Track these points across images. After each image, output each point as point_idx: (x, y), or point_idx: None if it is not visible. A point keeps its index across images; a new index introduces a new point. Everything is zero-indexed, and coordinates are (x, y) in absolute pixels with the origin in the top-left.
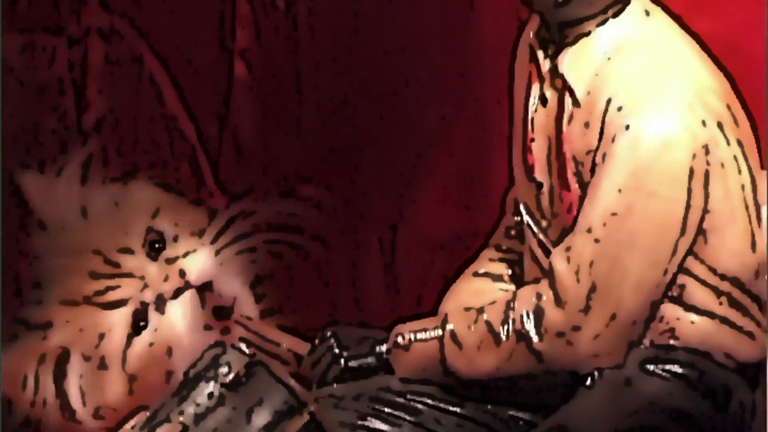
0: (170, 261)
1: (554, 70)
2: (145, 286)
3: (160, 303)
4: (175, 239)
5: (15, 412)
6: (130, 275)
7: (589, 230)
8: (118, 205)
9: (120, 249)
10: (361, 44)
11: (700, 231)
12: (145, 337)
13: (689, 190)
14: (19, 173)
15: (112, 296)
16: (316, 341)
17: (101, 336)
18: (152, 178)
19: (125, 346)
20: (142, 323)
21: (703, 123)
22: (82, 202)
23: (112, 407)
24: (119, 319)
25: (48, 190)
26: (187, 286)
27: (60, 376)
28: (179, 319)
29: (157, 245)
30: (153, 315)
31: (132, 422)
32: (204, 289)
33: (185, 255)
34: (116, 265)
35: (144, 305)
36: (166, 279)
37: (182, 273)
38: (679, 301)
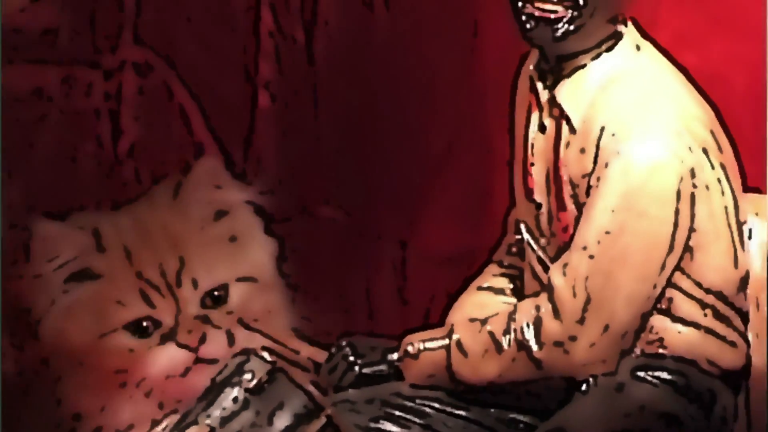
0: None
1: (552, 100)
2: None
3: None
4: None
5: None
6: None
7: (585, 248)
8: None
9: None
10: (374, 75)
11: (687, 248)
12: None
13: (677, 211)
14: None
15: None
16: (333, 350)
17: None
18: None
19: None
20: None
21: (690, 149)
22: None
23: None
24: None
25: None
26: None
27: None
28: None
29: (216, 293)
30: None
31: (163, 424)
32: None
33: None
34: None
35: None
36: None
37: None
38: (667, 312)
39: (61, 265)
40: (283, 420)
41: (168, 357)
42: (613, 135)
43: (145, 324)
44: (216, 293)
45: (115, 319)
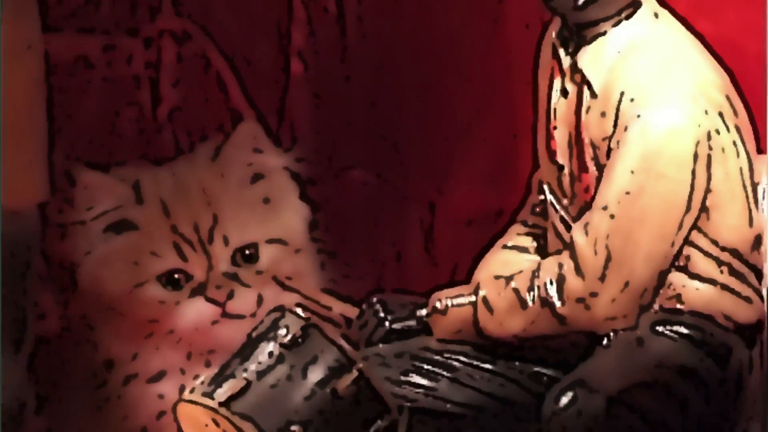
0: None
1: (574, 66)
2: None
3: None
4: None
5: None
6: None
7: (605, 208)
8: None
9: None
10: (402, 43)
11: (704, 208)
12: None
13: (693, 172)
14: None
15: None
16: (364, 306)
17: None
18: None
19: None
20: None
21: (706, 113)
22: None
23: None
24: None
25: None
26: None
27: None
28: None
29: (247, 253)
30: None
31: (201, 378)
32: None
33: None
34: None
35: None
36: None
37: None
38: (685, 270)
39: (101, 213)
40: (316, 373)
41: (196, 310)
42: (632, 100)
43: (176, 276)
44: (247, 252)
45: (148, 270)
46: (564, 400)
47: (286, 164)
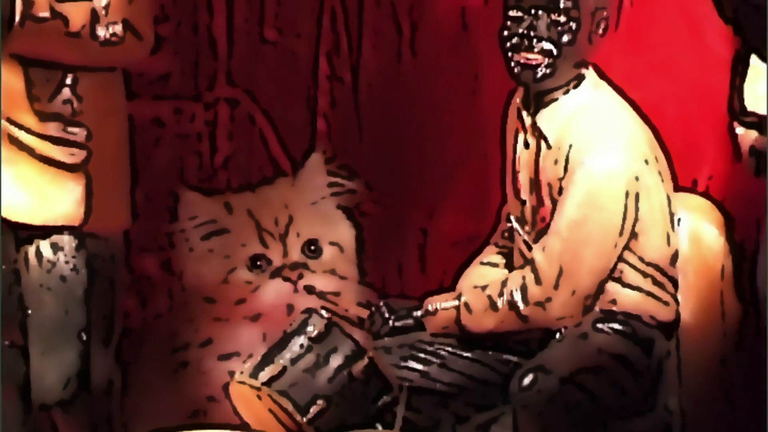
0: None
1: (534, 125)
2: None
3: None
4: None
5: None
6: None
7: (558, 233)
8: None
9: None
10: (402, 107)
11: (633, 233)
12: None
13: (626, 206)
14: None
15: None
16: (373, 309)
17: None
18: None
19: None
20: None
21: (635, 160)
22: None
23: None
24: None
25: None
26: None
27: None
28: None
29: (312, 248)
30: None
31: (247, 364)
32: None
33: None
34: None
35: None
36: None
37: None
38: (618, 280)
39: (200, 224)
40: (336, 360)
41: (275, 289)
42: (579, 150)
43: (259, 263)
44: (312, 247)
45: (238, 257)
46: (526, 380)
47: (342, 189)
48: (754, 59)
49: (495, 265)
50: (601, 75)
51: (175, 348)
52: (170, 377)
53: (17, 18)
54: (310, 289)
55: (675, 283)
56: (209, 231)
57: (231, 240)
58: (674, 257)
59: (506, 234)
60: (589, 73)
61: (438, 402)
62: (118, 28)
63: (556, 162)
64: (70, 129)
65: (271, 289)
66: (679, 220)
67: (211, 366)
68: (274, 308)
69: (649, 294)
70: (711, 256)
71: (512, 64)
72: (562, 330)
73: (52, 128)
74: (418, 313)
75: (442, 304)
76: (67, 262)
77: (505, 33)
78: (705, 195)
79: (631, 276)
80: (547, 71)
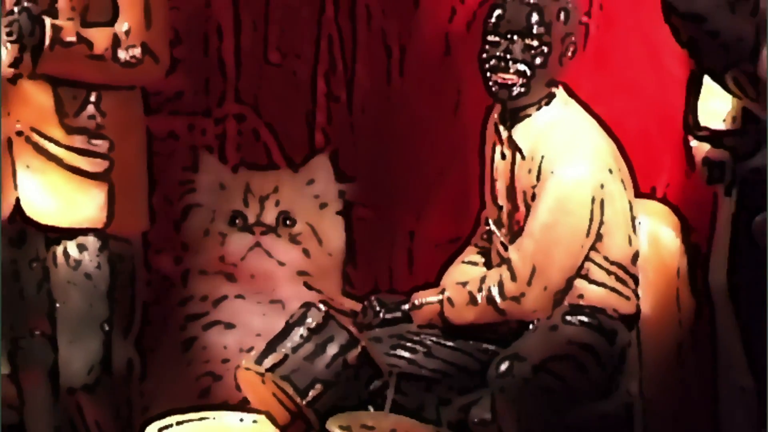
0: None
1: (510, 138)
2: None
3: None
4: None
5: None
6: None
7: (531, 235)
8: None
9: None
10: (392, 122)
11: (599, 235)
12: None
13: (592, 211)
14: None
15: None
16: (365, 303)
17: None
18: None
19: None
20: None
21: (600, 170)
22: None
23: None
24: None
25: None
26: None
27: None
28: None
29: (287, 222)
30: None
31: (253, 352)
32: None
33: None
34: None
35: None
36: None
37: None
38: (585, 277)
39: (207, 180)
40: (332, 349)
41: (237, 238)
42: (550, 161)
43: (237, 220)
44: (288, 221)
45: (221, 211)
46: (503, 367)
47: (341, 189)
48: (706, 79)
49: (475, 263)
50: (570, 93)
51: (182, 324)
52: (180, 359)
53: (47, 42)
54: (268, 253)
55: (636, 280)
56: (210, 186)
57: (223, 197)
58: (635, 257)
59: (485, 236)
60: (559, 92)
61: (424, 386)
62: (138, 51)
63: (529, 171)
64: (94, 141)
65: (234, 237)
66: (639, 223)
67: (209, 340)
68: (243, 263)
69: (612, 290)
70: (668, 255)
71: (490, 83)
72: (535, 322)
73: (78, 140)
74: (406, 306)
75: (427, 298)
76: (91, 261)
77: (484, 56)
78: (663, 201)
79: (597, 273)
80: (522, 90)
